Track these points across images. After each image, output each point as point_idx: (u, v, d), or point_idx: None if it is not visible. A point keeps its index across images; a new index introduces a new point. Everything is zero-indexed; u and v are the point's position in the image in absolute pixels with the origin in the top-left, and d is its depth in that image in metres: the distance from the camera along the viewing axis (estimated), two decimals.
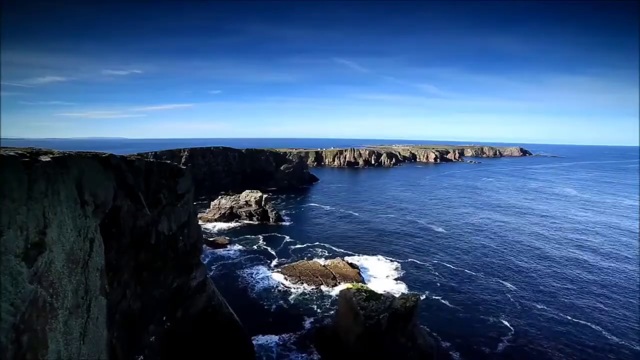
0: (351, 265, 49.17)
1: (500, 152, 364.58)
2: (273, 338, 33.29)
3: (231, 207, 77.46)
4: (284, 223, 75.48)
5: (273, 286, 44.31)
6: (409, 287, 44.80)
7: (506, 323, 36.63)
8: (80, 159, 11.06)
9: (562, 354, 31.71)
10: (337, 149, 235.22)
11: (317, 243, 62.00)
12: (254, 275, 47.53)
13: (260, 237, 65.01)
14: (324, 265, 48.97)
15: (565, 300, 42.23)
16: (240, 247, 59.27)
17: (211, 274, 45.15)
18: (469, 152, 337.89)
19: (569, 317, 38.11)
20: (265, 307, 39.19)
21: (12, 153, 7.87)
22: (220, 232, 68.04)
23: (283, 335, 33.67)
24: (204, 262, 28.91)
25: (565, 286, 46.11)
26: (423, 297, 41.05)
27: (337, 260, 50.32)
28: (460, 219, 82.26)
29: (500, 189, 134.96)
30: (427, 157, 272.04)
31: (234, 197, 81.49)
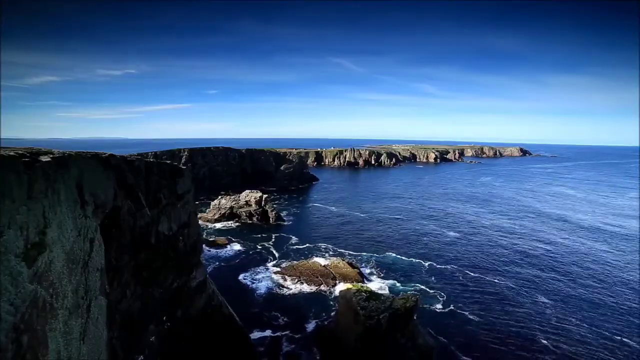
0: (351, 265, 49.15)
1: (500, 152, 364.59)
2: (273, 338, 33.31)
3: (231, 207, 77.45)
4: (284, 223, 75.47)
5: (273, 286, 44.32)
6: (409, 287, 44.80)
7: (505, 323, 36.63)
8: (80, 159, 11.06)
9: (566, 352, 31.77)
10: (337, 149, 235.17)
11: (317, 243, 61.99)
12: (254, 275, 47.53)
13: (260, 237, 65.01)
14: (324, 265, 48.95)
15: (562, 294, 42.34)
16: (240, 247, 59.27)
17: (211, 274, 45.12)
18: (469, 152, 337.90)
19: (563, 313, 38.24)
20: (265, 307, 39.18)
21: (12, 153, 7.87)
22: (220, 232, 68.03)
23: (283, 335, 33.68)
24: (204, 262, 28.92)
25: (565, 282, 46.19)
26: (422, 296, 41.06)
27: (337, 260, 50.31)
28: (461, 219, 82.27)
29: (502, 189, 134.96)
30: (427, 157, 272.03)
31: (234, 197, 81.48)
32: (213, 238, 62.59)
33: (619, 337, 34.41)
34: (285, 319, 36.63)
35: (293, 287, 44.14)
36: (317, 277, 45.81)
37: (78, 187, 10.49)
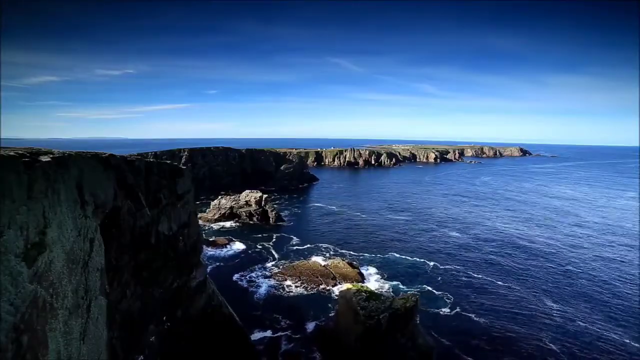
0: (351, 265, 49.15)
1: (500, 152, 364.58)
2: (273, 338, 33.30)
3: (231, 207, 77.45)
4: (284, 223, 75.45)
5: (273, 286, 44.30)
6: (409, 287, 44.78)
7: (508, 324, 36.61)
8: (80, 159, 11.07)
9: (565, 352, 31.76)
10: (337, 149, 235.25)
11: (317, 243, 61.95)
12: (253, 276, 47.51)
13: (260, 237, 64.99)
14: (324, 265, 48.95)
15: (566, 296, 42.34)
16: (240, 247, 59.24)
17: (211, 274, 45.13)
18: (469, 152, 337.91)
19: (561, 314, 38.23)
20: (265, 307, 39.16)
21: (12, 153, 7.87)
22: (220, 232, 68.02)
23: (283, 335, 33.66)
24: (204, 262, 28.96)
25: (562, 280, 46.22)
26: (427, 298, 41.02)
27: (337, 260, 50.30)
28: (462, 219, 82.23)
29: (502, 189, 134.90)
30: (427, 157, 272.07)
31: (234, 197, 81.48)
32: (213, 238, 62.56)
33: (627, 341, 34.23)
34: (285, 319, 36.60)
35: (293, 287, 44.12)
36: (317, 277, 45.80)
37: (78, 187, 10.50)
